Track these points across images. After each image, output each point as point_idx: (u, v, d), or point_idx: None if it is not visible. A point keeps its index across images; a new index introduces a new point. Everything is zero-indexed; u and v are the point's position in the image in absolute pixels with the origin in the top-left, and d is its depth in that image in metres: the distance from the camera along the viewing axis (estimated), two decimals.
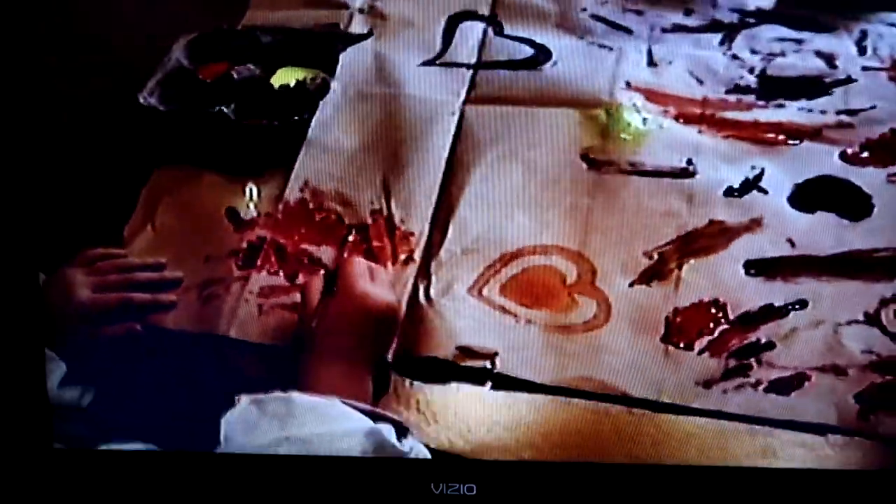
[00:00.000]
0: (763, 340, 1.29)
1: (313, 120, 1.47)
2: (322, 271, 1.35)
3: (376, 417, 1.23)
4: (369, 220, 1.40)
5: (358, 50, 1.54)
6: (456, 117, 1.46)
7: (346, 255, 1.36)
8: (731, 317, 1.30)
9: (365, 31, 1.55)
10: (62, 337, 1.32)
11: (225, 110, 1.45)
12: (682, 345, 1.29)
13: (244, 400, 1.22)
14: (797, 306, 1.30)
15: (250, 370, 1.31)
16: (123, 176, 1.44)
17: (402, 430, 1.24)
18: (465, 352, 1.31)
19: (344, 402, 1.22)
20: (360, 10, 1.58)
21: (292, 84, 1.49)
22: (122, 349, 1.34)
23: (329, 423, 1.20)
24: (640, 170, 1.41)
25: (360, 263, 1.32)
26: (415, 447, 1.24)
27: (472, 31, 1.54)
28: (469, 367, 1.30)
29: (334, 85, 1.50)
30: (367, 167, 1.44)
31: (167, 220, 1.42)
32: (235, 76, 1.48)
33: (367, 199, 1.42)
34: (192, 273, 1.38)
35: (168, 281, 1.37)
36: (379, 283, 1.31)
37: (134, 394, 1.33)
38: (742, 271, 1.33)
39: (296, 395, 1.21)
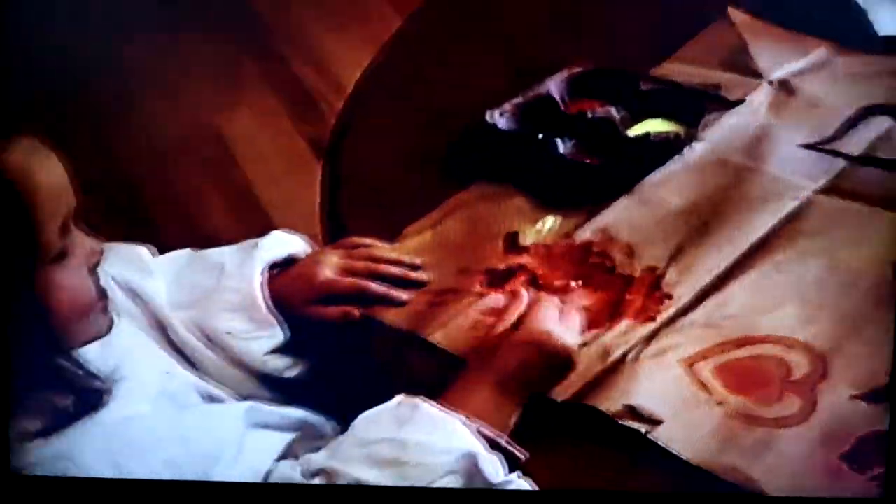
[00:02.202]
0: None
1: (652, 174, 1.37)
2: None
3: (495, 446, 1.16)
4: (638, 274, 1.29)
5: (742, 118, 1.42)
6: (797, 203, 1.33)
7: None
8: None
9: (735, 100, 1.43)
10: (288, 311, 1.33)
11: (559, 143, 1.37)
12: (858, 464, 1.12)
13: (397, 399, 1.19)
14: None
15: (424, 374, 1.26)
16: (437, 181, 1.42)
17: (514, 465, 1.16)
18: (631, 411, 1.18)
19: (466, 424, 1.16)
20: (770, 83, 1.45)
21: (652, 134, 1.38)
22: (328, 330, 1.33)
23: (437, 435, 1.16)
24: None
25: (553, 302, 1.25)
26: (517, 485, 1.16)
27: (876, 124, 1.39)
28: (623, 427, 1.17)
29: (696, 145, 1.38)
30: (672, 228, 1.33)
31: (451, 228, 1.37)
32: (590, 115, 1.39)
33: (651, 255, 1.31)
34: (440, 280, 1.33)
35: (412, 281, 1.34)
36: (565, 326, 1.23)
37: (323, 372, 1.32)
38: None
39: (422, 403, 1.18)
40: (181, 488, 1.14)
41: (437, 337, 1.26)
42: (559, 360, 1.20)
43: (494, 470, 1.13)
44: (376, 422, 1.18)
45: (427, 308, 1.30)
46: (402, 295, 1.32)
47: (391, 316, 1.30)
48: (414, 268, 1.34)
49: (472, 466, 1.13)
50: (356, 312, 1.31)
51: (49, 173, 1.07)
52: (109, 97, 1.69)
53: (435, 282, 1.33)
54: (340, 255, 1.35)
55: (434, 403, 1.17)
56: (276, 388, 1.32)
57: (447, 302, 1.30)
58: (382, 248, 1.36)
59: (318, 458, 1.16)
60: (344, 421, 1.21)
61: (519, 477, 1.15)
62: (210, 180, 2.15)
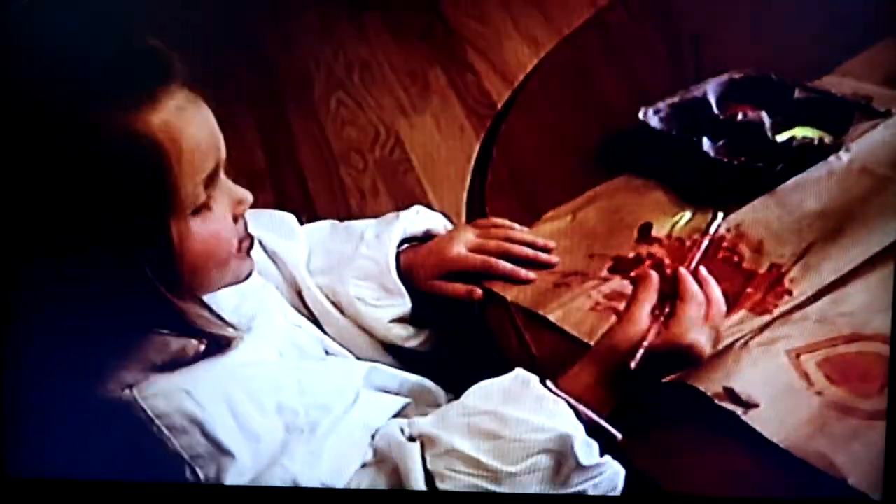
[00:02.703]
0: None
1: (793, 178, 1.37)
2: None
3: (593, 429, 1.16)
4: (762, 270, 1.29)
5: (892, 131, 1.40)
6: None
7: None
8: None
9: (883, 111, 1.41)
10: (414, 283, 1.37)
11: (706, 141, 1.38)
12: None
13: (513, 373, 1.21)
14: None
15: (542, 353, 1.27)
16: (584, 172, 1.44)
17: (611, 446, 1.16)
18: (730, 394, 1.18)
19: (571, 405, 1.17)
20: None
21: (797, 138, 1.39)
22: (451, 304, 1.36)
23: (538, 414, 1.16)
24: None
25: (696, 301, 1.20)
26: (608, 467, 1.15)
27: None
28: (719, 407, 1.17)
29: (842, 154, 1.37)
30: (806, 229, 1.32)
31: (590, 216, 1.39)
32: (740, 117, 1.40)
33: (779, 253, 1.31)
34: (569, 262, 1.35)
35: (541, 263, 1.36)
36: (705, 334, 1.19)
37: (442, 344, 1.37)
38: None
39: (533, 381, 1.19)
40: (178, 491, 1.16)
41: (557, 315, 1.28)
42: (687, 358, 1.18)
43: (587, 453, 1.13)
44: (485, 394, 1.19)
45: (552, 287, 1.32)
46: (530, 275, 1.34)
47: (514, 293, 1.32)
48: (546, 250, 1.36)
49: (566, 448, 1.13)
50: (479, 292, 1.34)
51: (199, 128, 1.10)
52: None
53: (563, 264, 1.34)
54: (475, 232, 1.38)
55: (547, 383, 1.17)
56: (398, 357, 1.36)
57: (571, 284, 1.31)
58: (516, 229, 1.38)
59: (423, 423, 1.19)
60: (458, 393, 1.22)
61: (611, 459, 1.14)
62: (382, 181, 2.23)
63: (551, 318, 1.28)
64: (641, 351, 1.15)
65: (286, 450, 1.15)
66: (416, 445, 1.16)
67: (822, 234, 1.30)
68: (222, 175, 1.14)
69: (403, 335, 1.36)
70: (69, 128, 1.03)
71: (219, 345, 1.15)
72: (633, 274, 1.30)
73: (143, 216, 1.06)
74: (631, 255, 1.33)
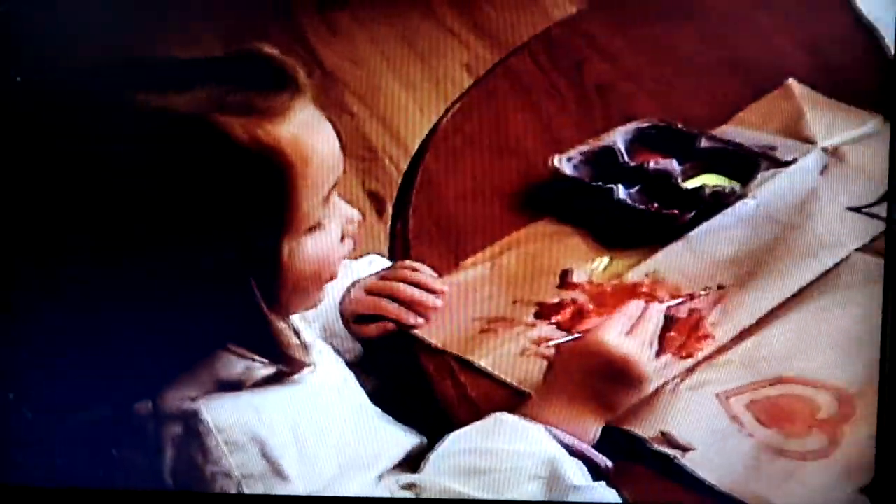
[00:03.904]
0: None
1: (704, 224, 1.43)
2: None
3: (576, 454, 1.20)
4: (683, 315, 1.35)
5: (794, 180, 1.47)
6: (837, 259, 1.38)
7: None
8: None
9: (786, 160, 1.49)
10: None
11: (620, 189, 1.44)
12: (874, 499, 1.18)
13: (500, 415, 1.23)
14: None
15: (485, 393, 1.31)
16: (501, 219, 1.48)
17: (597, 473, 1.20)
18: (666, 437, 1.24)
19: (549, 430, 1.20)
20: (824, 149, 1.50)
21: (707, 187, 1.44)
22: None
23: (521, 442, 1.20)
24: None
25: (624, 316, 1.27)
26: (601, 491, 1.19)
27: None
28: (656, 451, 1.23)
29: (749, 201, 1.45)
30: (717, 274, 1.39)
31: (511, 261, 1.43)
32: (650, 166, 1.46)
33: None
34: (493, 309, 1.38)
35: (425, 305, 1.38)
36: (629, 338, 1.24)
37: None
38: None
39: (505, 414, 1.22)
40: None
41: (488, 361, 1.31)
42: (617, 370, 1.21)
43: (576, 474, 1.16)
44: (462, 436, 1.21)
45: (478, 334, 1.35)
46: (412, 319, 1.35)
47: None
48: (436, 292, 1.37)
49: (554, 471, 1.16)
50: (390, 326, 1.35)
51: (325, 144, 1.10)
52: None
53: (488, 310, 1.37)
54: (378, 276, 1.39)
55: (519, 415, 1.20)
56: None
57: (497, 330, 1.35)
58: (417, 273, 1.40)
59: (408, 475, 1.21)
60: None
61: (605, 486, 1.17)
62: None
63: (482, 364, 1.31)
64: (560, 339, 1.25)
65: (338, 480, 1.17)
66: (408, 494, 1.19)
67: (736, 279, 1.36)
68: (335, 193, 1.14)
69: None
70: (194, 131, 1.03)
71: (289, 370, 1.15)
72: (554, 319, 1.35)
73: (258, 230, 1.06)
74: (554, 300, 1.37)
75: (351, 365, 1.34)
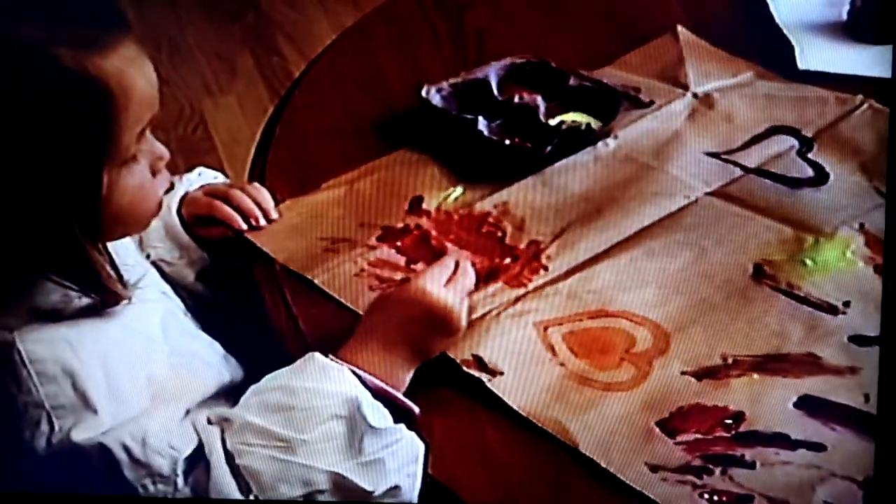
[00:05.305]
0: (748, 459, 1.13)
1: (563, 161, 1.43)
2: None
3: (381, 397, 1.18)
4: (522, 246, 1.34)
5: (660, 122, 1.48)
6: (686, 201, 1.39)
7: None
8: (740, 430, 1.16)
9: (647, 102, 1.50)
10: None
11: (482, 121, 1.43)
12: (669, 429, 1.16)
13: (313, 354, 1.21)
14: (812, 448, 1.14)
15: (317, 325, 1.29)
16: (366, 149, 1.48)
17: (404, 416, 1.18)
18: (477, 360, 1.22)
19: (356, 372, 1.18)
20: (695, 95, 1.51)
21: (566, 123, 1.44)
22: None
23: (326, 382, 1.17)
24: (793, 292, 1.30)
25: (443, 265, 1.25)
26: (403, 434, 1.16)
27: (779, 143, 1.46)
28: (466, 373, 1.21)
29: (610, 141, 1.44)
30: (566, 210, 1.39)
31: (366, 187, 1.42)
32: (517, 100, 1.45)
33: (539, 231, 1.36)
34: (339, 230, 1.38)
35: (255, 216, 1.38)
36: (449, 289, 1.23)
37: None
38: (792, 402, 1.19)
39: (317, 355, 1.20)
40: None
41: (322, 279, 1.31)
42: (438, 318, 1.21)
43: (378, 416, 1.15)
44: (276, 374, 1.20)
45: (321, 252, 1.34)
46: (242, 224, 1.36)
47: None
48: (266, 213, 1.38)
49: (355, 411, 1.14)
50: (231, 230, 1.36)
51: (146, 81, 1.10)
52: None
53: (334, 231, 1.37)
54: (219, 184, 1.42)
55: (329, 356, 1.19)
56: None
57: (339, 250, 1.34)
58: (255, 189, 1.41)
59: (223, 408, 1.19)
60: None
61: (405, 428, 1.15)
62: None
63: (316, 281, 1.30)
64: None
65: (146, 412, 1.15)
66: (216, 428, 1.16)
67: (581, 215, 1.36)
68: (148, 130, 1.14)
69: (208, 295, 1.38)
70: (29, 59, 1.03)
71: (105, 302, 1.15)
72: (399, 243, 1.34)
73: (79, 159, 1.07)
74: (399, 225, 1.36)
75: (199, 279, 1.36)
